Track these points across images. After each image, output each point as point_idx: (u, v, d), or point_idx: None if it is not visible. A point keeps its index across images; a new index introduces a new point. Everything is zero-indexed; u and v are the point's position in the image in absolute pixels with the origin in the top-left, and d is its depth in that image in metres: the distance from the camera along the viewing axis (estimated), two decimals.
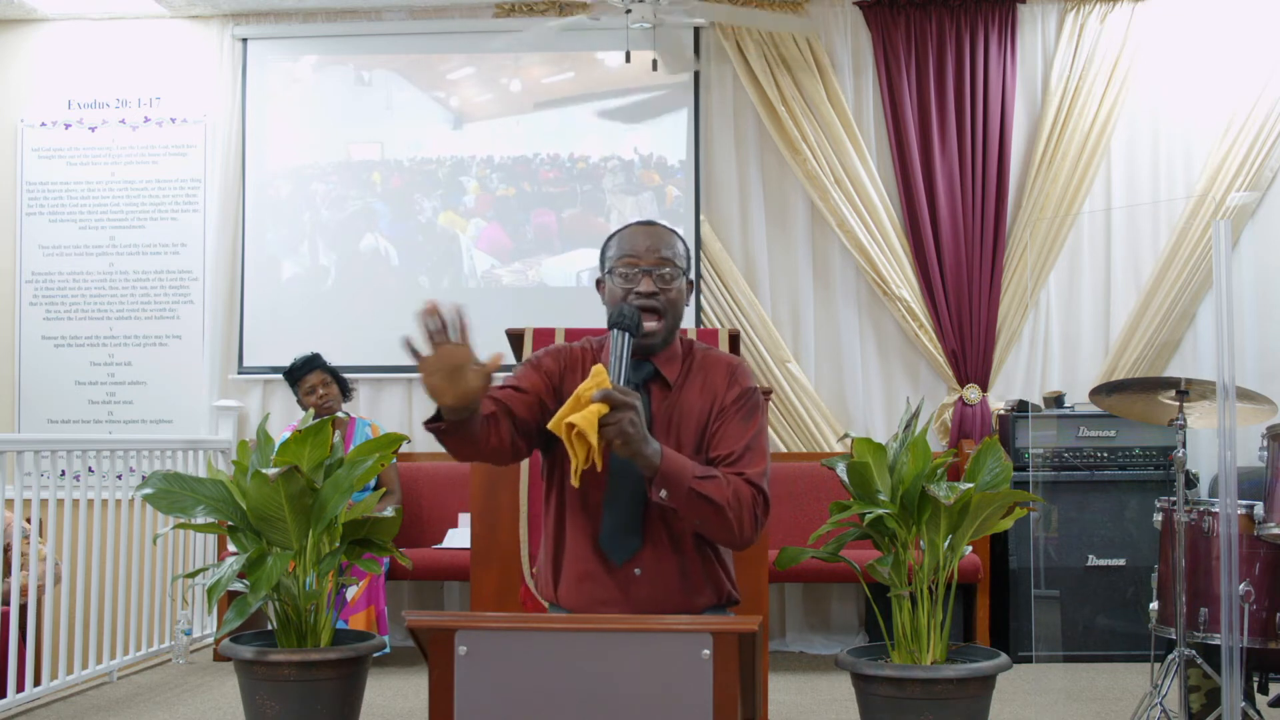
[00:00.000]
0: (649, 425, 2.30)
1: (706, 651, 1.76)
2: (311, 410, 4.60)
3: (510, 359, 3.42)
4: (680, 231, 2.53)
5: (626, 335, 2.28)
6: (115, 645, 4.90)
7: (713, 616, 2.35)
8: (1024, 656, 5.16)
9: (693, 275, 2.51)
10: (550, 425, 2.18)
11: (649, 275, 2.35)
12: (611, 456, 2.22)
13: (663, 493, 2.20)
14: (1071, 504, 5.27)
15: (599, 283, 2.49)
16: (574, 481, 2.15)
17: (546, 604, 2.49)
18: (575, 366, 2.45)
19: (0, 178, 6.26)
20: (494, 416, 2.29)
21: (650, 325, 2.35)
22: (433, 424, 2.22)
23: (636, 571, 2.34)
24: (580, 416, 2.11)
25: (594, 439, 2.10)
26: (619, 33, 5.50)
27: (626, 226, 2.47)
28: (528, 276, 6.10)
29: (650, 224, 2.47)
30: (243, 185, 6.15)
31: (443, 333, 2.12)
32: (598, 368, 2.19)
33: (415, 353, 2.11)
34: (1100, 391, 3.92)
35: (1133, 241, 5.89)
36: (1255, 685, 3.73)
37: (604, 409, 2.11)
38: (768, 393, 3.53)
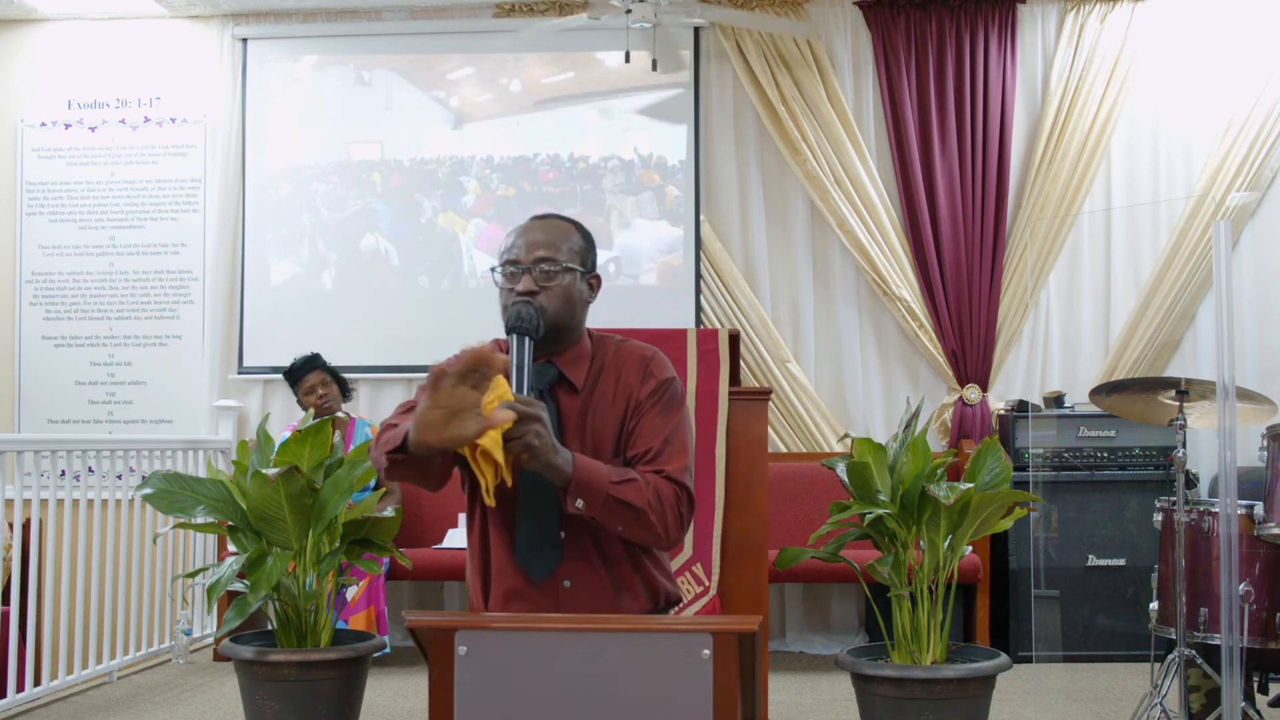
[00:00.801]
0: (558, 433, 2.19)
1: (706, 651, 1.76)
2: (311, 410, 4.60)
3: None
4: (580, 223, 2.35)
5: (527, 340, 2.15)
6: (115, 645, 4.90)
7: (712, 617, 2.34)
8: (1024, 656, 5.16)
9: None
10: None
11: (529, 273, 2.22)
12: (521, 469, 2.10)
13: (579, 503, 2.09)
14: (1071, 504, 5.27)
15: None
16: (489, 501, 2.01)
17: None
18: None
19: (0, 178, 6.26)
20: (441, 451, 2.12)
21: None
22: (393, 453, 2.07)
23: (566, 584, 2.23)
24: (488, 439, 1.96)
25: (499, 456, 1.97)
26: (619, 33, 5.50)
27: (522, 223, 2.33)
28: None
29: (542, 219, 2.32)
30: (243, 185, 6.15)
31: (474, 377, 1.93)
32: (498, 379, 2.00)
33: (438, 378, 1.92)
34: (1100, 391, 3.92)
35: (1133, 241, 5.89)
36: (1255, 685, 3.73)
37: (508, 423, 1.96)
38: (766, 392, 3.54)
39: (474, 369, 1.91)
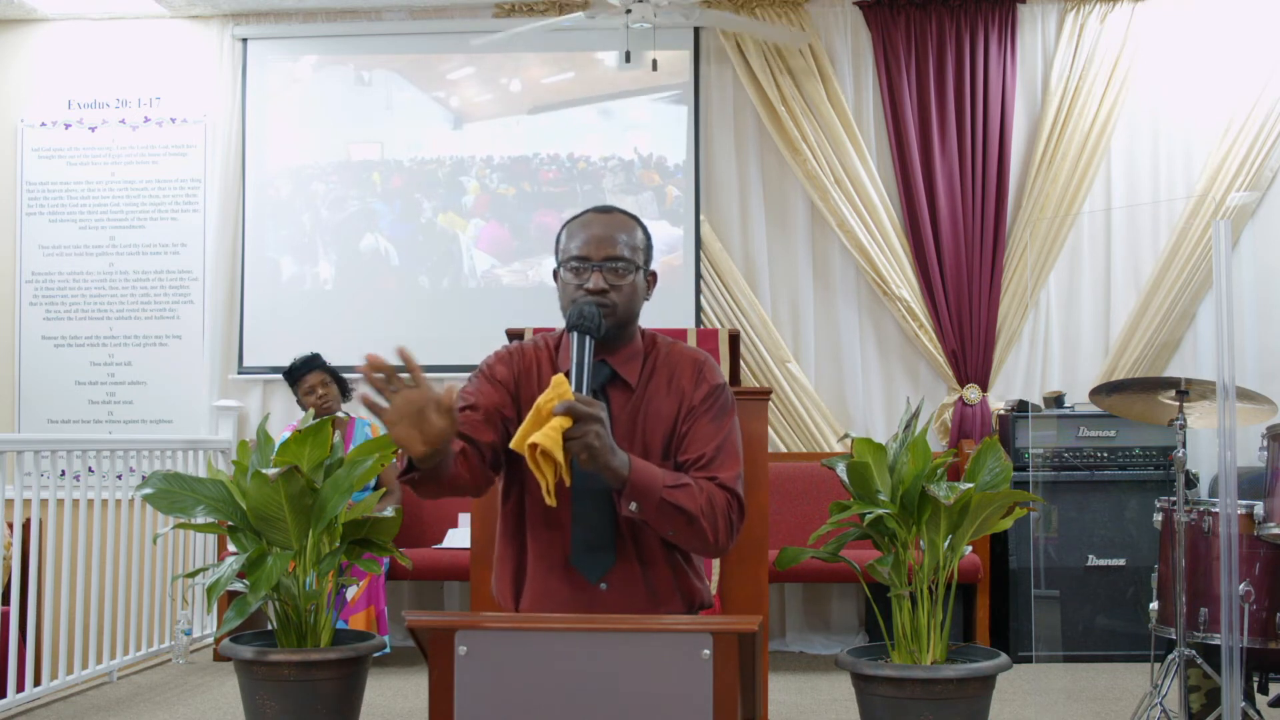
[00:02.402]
0: (610, 432, 2.14)
1: (706, 651, 1.76)
2: (311, 410, 4.60)
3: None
4: (639, 217, 2.32)
5: (588, 339, 2.12)
6: (115, 645, 4.90)
7: (712, 617, 2.34)
8: (1024, 656, 5.16)
9: (655, 266, 2.31)
10: (513, 445, 2.04)
11: (599, 270, 2.18)
12: (575, 469, 2.08)
13: (633, 505, 2.07)
14: (1071, 504, 5.27)
15: (555, 274, 2.30)
16: (550, 501, 2.01)
17: None
18: (531, 370, 2.29)
19: (0, 178, 6.26)
20: (461, 452, 2.14)
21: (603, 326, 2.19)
22: (406, 476, 2.08)
23: (603, 586, 2.22)
24: (543, 435, 1.97)
25: (560, 457, 1.98)
26: (619, 33, 5.50)
27: (580, 215, 2.28)
28: (528, 276, 6.10)
29: (605, 211, 2.27)
30: (243, 185, 6.15)
31: (390, 380, 1.92)
32: (558, 378, 2.05)
33: (375, 408, 1.91)
34: (1100, 391, 3.92)
35: (1133, 241, 5.89)
36: (1255, 685, 3.73)
37: (567, 423, 1.97)
38: (766, 392, 3.53)
39: (383, 376, 1.91)
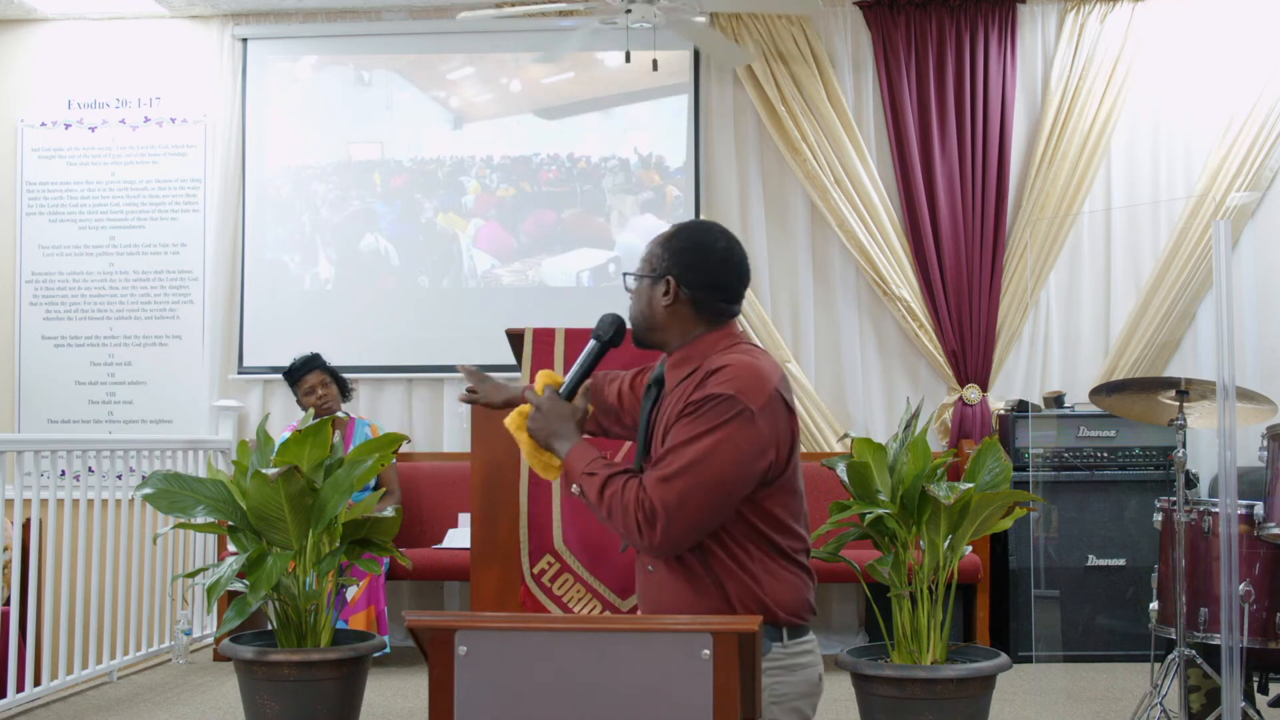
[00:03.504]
0: (646, 430, 2.33)
1: (706, 651, 1.76)
2: (311, 410, 4.60)
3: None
4: (684, 226, 2.43)
5: (592, 342, 2.36)
6: (115, 645, 4.90)
7: (712, 617, 2.33)
8: (1024, 656, 5.16)
9: (679, 268, 2.37)
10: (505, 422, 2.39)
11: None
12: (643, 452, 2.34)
13: (573, 487, 2.26)
14: (1071, 504, 5.27)
15: None
16: (553, 477, 2.32)
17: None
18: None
19: (0, 178, 6.26)
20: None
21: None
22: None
23: (650, 569, 2.31)
24: (509, 418, 2.33)
25: (517, 435, 2.30)
26: (619, 33, 5.49)
27: None
28: (528, 276, 6.10)
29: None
30: (243, 185, 6.15)
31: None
32: (542, 372, 2.39)
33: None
34: (1100, 391, 3.92)
35: (1133, 241, 5.89)
36: (1255, 685, 3.73)
37: (528, 409, 2.30)
38: None
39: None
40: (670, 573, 2.26)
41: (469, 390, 2.67)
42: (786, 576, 2.29)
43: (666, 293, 2.31)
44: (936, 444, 5.75)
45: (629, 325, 2.39)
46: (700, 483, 2.14)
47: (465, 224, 6.13)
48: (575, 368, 2.33)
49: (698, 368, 2.27)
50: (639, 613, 2.35)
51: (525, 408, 2.31)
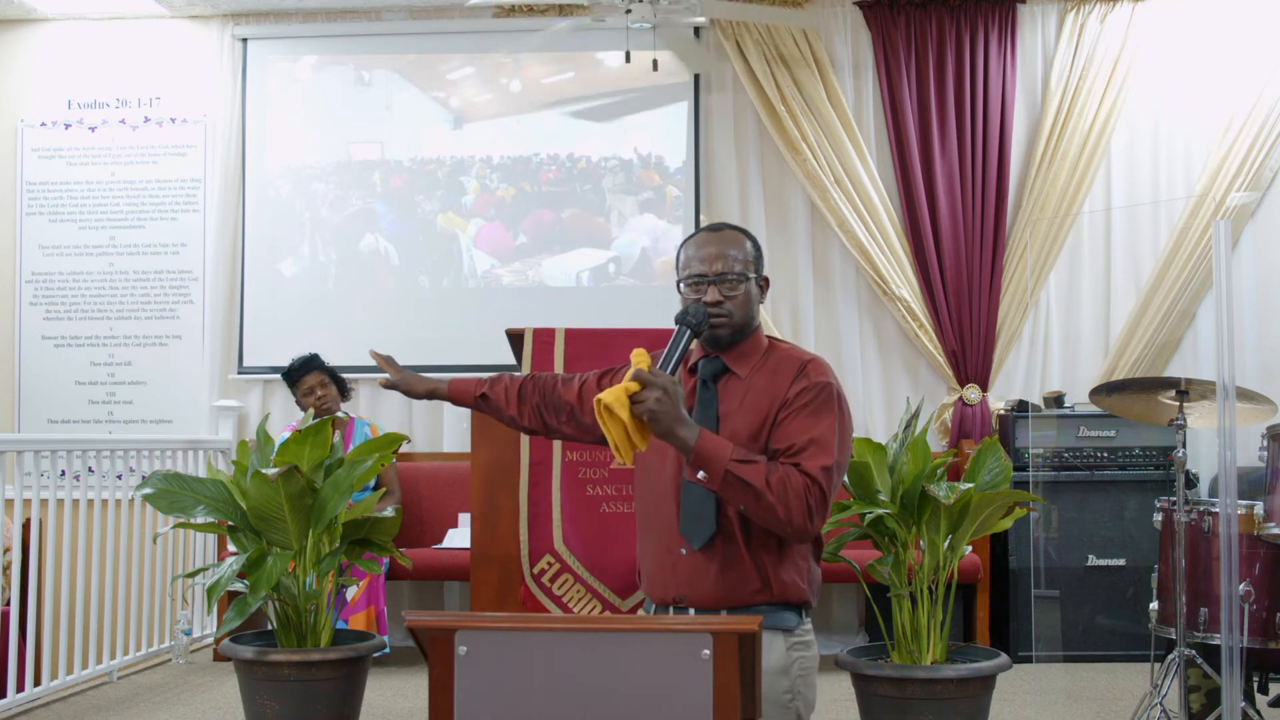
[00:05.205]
0: (714, 419, 2.36)
1: (706, 651, 1.76)
2: (311, 410, 4.60)
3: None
4: (747, 230, 2.55)
5: (689, 331, 2.34)
6: (115, 645, 4.90)
7: (713, 617, 2.34)
8: (1024, 656, 5.16)
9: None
10: (593, 400, 2.27)
11: (715, 285, 2.41)
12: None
13: (700, 473, 2.23)
14: (1071, 504, 5.27)
15: (678, 286, 2.56)
16: (618, 458, 2.21)
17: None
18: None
19: (0, 178, 6.26)
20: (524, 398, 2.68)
21: (722, 334, 2.43)
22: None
23: (683, 551, 2.36)
24: (609, 393, 2.18)
25: (623, 414, 2.16)
26: (619, 33, 5.50)
27: (695, 234, 2.52)
28: (528, 276, 6.10)
29: (717, 230, 2.50)
30: (243, 185, 6.15)
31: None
32: (637, 351, 2.29)
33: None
34: (1100, 391, 3.92)
35: (1133, 241, 5.89)
36: (1255, 685, 3.73)
37: (634, 387, 2.18)
38: None
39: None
40: (709, 558, 2.35)
41: (389, 376, 2.69)
42: (812, 558, 2.44)
43: (762, 290, 2.49)
44: (936, 444, 5.75)
45: (717, 320, 2.39)
46: (841, 464, 2.32)
47: (465, 224, 6.13)
48: (671, 353, 2.29)
49: (772, 358, 2.42)
50: (675, 597, 2.37)
51: (630, 385, 2.19)
